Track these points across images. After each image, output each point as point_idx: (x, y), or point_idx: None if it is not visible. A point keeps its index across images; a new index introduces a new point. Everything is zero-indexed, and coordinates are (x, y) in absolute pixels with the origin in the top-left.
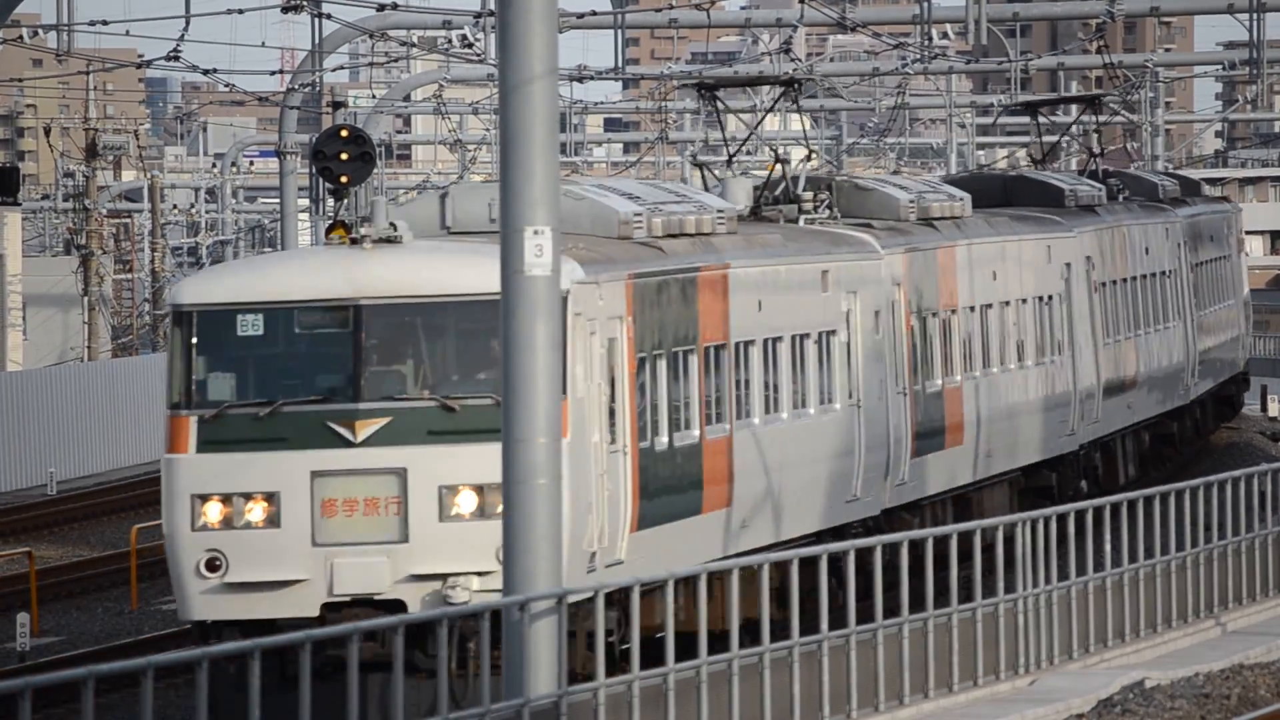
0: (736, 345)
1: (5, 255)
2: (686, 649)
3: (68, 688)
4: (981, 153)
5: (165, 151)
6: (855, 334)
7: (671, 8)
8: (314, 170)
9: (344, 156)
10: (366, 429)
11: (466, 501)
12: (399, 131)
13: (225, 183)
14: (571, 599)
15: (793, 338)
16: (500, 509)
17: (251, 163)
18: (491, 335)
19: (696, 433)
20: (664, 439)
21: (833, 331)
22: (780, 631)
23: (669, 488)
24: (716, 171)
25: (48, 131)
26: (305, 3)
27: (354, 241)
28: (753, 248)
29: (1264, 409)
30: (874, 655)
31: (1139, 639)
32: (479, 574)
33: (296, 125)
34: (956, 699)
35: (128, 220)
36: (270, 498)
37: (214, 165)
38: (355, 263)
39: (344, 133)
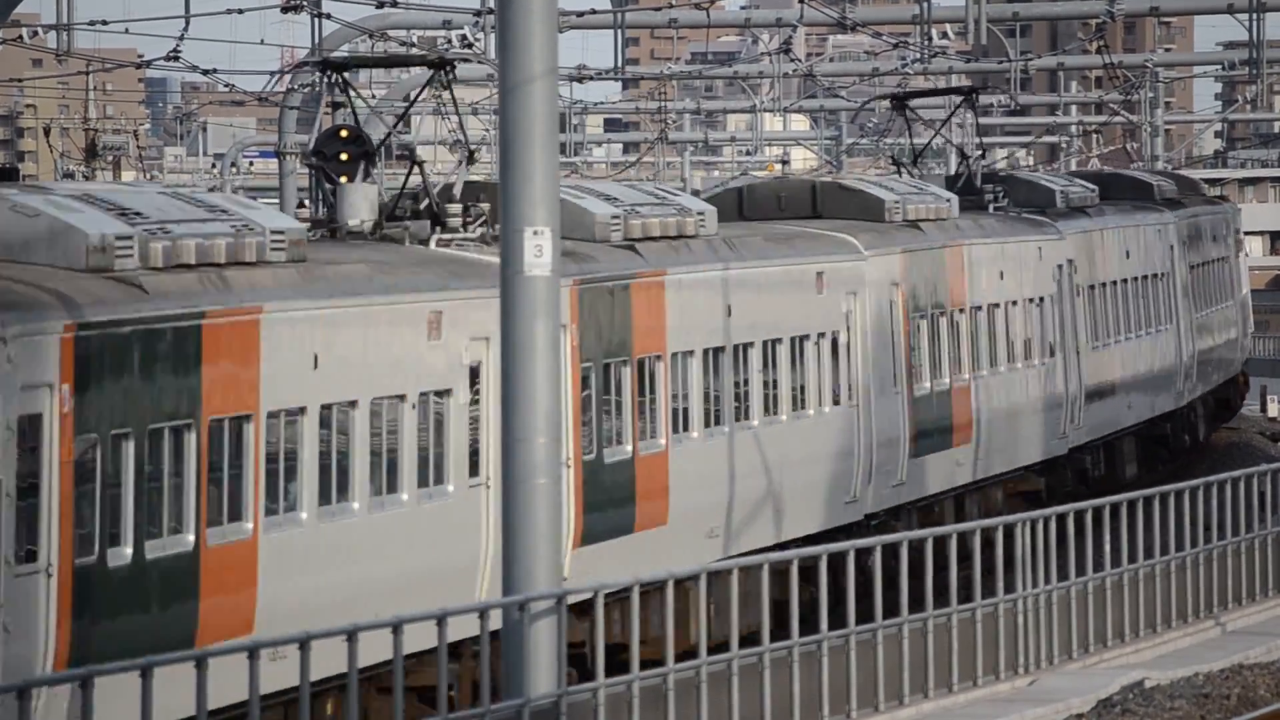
0: (271, 417)
1: None
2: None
3: None
4: (981, 153)
5: (165, 152)
6: (485, 392)
7: (671, 7)
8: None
9: (344, 157)
10: None
11: None
12: (399, 132)
13: (225, 183)
14: (571, 599)
15: (374, 402)
16: None
17: (251, 163)
18: None
19: (192, 538)
20: (126, 551)
21: (445, 391)
22: (780, 632)
23: (135, 611)
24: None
25: (47, 132)
26: (305, 2)
27: None
28: (314, 284)
29: (1263, 409)
30: (874, 655)
31: (1139, 639)
32: None
33: (296, 125)
34: (956, 699)
35: None
36: None
37: (214, 165)
38: None
39: (344, 133)
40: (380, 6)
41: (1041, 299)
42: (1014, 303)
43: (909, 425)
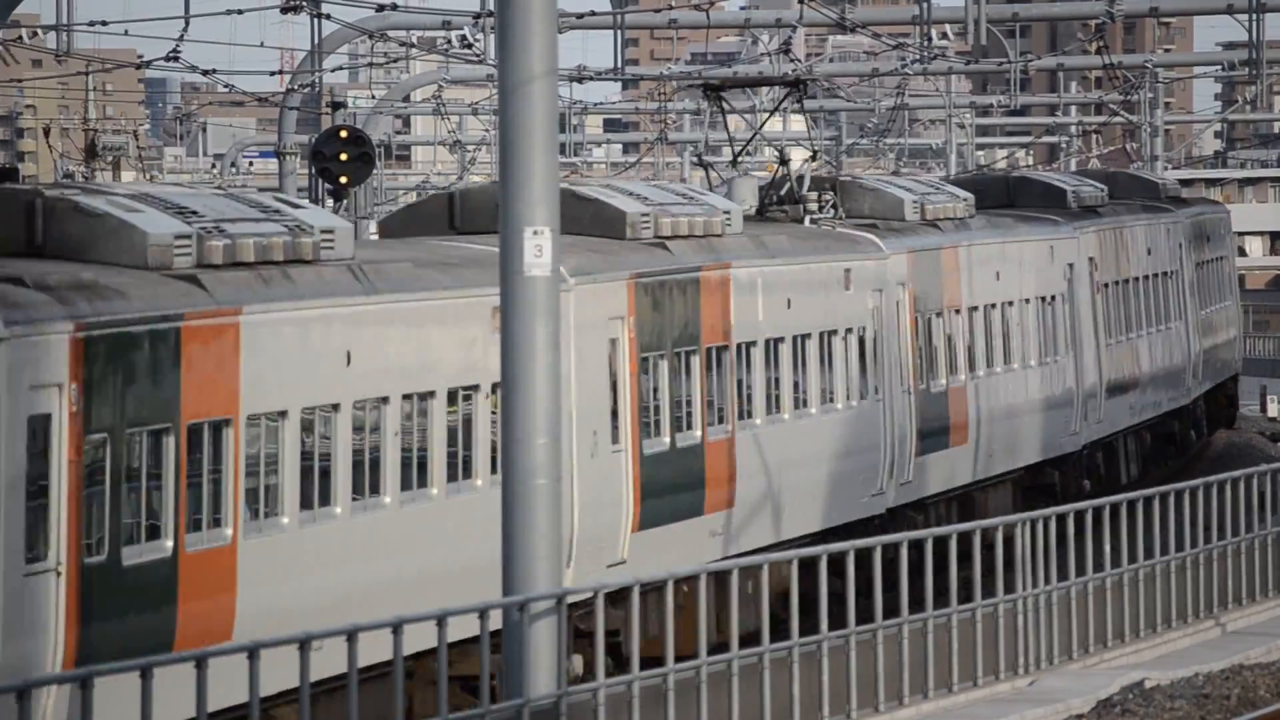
0: None
1: None
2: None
3: None
4: (981, 153)
5: (165, 152)
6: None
7: (671, 8)
8: (313, 171)
9: (343, 157)
10: None
11: None
12: (398, 132)
13: (224, 184)
14: (571, 599)
15: None
16: None
17: (251, 163)
18: None
19: None
20: None
21: None
22: (780, 632)
23: None
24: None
25: (47, 132)
26: (305, 3)
27: None
28: None
29: (1263, 409)
30: (874, 655)
31: (1139, 639)
32: None
33: (296, 126)
34: (956, 699)
35: None
36: None
37: (213, 166)
38: None
39: (343, 133)
40: (380, 9)
41: (850, 329)
42: (807, 336)
43: (632, 490)
